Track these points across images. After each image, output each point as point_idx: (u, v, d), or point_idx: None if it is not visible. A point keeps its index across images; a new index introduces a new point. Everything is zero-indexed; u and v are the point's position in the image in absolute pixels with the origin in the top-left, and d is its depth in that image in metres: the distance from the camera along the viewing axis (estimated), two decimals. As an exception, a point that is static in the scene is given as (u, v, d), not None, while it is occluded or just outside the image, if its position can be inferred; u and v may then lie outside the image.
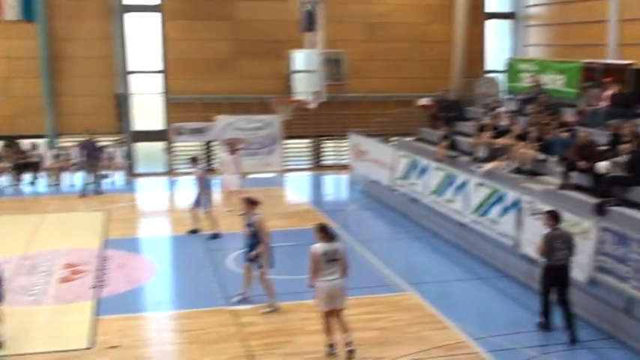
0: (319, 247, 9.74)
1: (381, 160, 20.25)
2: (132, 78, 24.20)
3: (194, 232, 16.21)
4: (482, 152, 17.67)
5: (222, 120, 24.02)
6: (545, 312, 10.79)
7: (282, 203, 20.73)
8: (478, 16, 25.34)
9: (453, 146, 19.24)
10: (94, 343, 10.25)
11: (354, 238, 15.92)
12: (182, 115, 24.14)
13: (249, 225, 11.59)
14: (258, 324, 11.02)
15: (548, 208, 11.36)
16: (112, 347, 10.11)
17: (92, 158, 21.06)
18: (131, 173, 23.37)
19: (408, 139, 22.69)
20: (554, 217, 10.68)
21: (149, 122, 24.27)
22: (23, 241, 15.65)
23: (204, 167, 17.48)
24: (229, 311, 11.50)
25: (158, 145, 24.25)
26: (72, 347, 10.08)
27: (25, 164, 22.52)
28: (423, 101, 23.30)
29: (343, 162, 24.87)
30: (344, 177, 23.85)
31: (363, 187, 21.84)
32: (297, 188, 22.61)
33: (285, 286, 12.38)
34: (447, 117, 21.08)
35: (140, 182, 22.48)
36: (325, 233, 9.84)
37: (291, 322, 11.08)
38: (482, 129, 18.15)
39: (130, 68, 24.11)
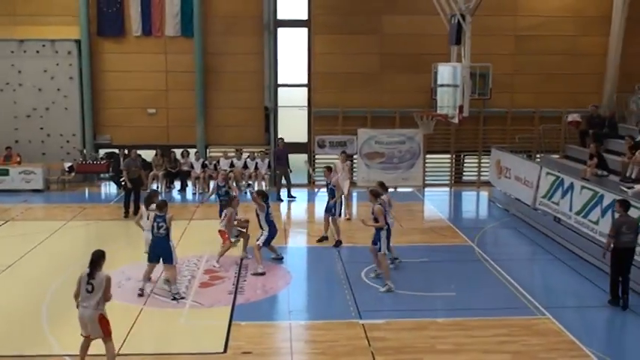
0: None
1: (524, 177, 19.67)
2: (279, 91, 24.97)
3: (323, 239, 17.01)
4: (633, 172, 16.75)
5: (363, 133, 24.24)
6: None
7: (419, 218, 20.59)
8: (635, 28, 23.96)
9: (602, 165, 18.34)
10: (228, 348, 10.58)
11: (490, 257, 15.58)
12: (324, 128, 24.63)
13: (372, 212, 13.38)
14: (388, 339, 10.97)
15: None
16: (244, 353, 10.39)
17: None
18: (274, 184, 23.99)
19: (553, 156, 21.88)
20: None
21: (293, 134, 24.85)
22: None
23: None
24: (361, 325, 11.54)
25: (300, 157, 24.76)
26: (207, 350, 10.45)
27: (176, 172, 23.77)
28: (574, 117, 22.44)
29: (483, 178, 24.41)
30: (484, 194, 23.45)
31: (503, 205, 21.32)
32: (435, 204, 22.36)
33: (417, 303, 12.34)
34: (597, 134, 20.19)
35: (281, 193, 22.95)
36: None
37: (422, 340, 10.95)
38: (634, 147, 17.22)
39: (278, 82, 24.91)
